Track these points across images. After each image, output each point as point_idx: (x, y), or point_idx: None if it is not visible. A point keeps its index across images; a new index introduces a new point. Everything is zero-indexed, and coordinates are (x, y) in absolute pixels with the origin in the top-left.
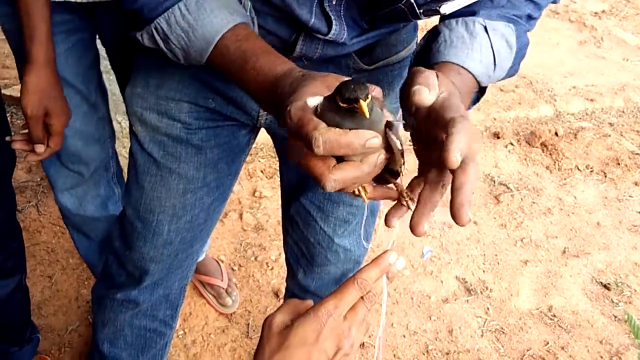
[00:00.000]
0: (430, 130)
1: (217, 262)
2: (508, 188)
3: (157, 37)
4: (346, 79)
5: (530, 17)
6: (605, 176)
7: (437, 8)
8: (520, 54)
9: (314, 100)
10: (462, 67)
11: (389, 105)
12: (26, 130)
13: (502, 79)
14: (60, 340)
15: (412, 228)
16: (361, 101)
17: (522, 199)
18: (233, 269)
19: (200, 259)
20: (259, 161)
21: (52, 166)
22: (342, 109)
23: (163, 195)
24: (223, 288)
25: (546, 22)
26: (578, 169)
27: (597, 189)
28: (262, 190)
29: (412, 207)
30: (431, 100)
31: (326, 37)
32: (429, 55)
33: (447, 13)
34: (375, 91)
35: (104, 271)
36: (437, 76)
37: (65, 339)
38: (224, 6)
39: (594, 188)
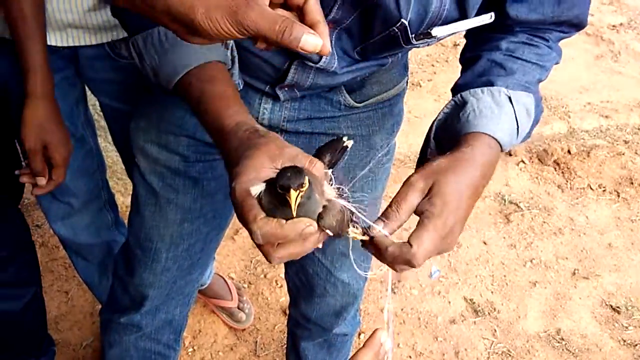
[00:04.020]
0: None
1: (224, 280)
2: (519, 207)
3: (133, 52)
4: (289, 150)
5: (539, 81)
6: (619, 196)
7: (429, 31)
8: (535, 121)
9: (257, 189)
10: (493, 137)
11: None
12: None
13: (518, 144)
14: (75, 354)
15: None
16: (292, 191)
17: (532, 218)
18: (243, 287)
19: (206, 284)
20: None
21: (44, 197)
22: (279, 195)
23: (161, 224)
24: (234, 307)
25: None
26: (590, 188)
27: (610, 209)
28: None
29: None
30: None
31: (317, 65)
32: (456, 124)
33: (440, 36)
34: (315, 168)
35: (111, 295)
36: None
37: (80, 353)
38: None
39: (607, 208)
